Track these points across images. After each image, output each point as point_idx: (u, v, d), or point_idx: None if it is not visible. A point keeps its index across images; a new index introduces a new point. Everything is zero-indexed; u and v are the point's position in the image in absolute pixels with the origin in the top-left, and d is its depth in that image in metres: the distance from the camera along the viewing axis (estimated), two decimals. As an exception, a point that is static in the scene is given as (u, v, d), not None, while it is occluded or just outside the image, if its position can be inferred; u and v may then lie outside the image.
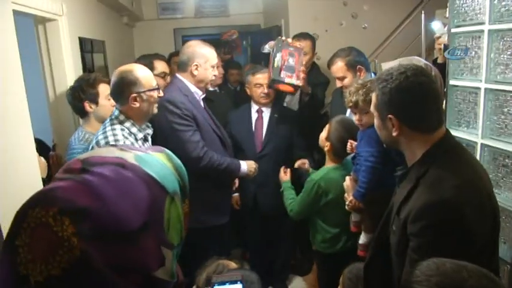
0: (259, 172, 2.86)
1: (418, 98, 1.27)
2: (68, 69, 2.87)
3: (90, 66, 3.63)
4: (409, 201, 1.29)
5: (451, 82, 2.09)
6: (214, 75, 2.54)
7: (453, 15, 2.06)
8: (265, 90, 2.84)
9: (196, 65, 2.43)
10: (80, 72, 3.10)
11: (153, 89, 1.93)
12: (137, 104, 1.88)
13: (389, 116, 1.31)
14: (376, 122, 1.43)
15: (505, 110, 1.78)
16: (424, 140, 1.30)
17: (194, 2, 5.41)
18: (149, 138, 2.04)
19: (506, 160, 1.78)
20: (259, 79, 2.84)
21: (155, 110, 2.02)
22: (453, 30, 2.07)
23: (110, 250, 0.71)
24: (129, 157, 0.81)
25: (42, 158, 2.39)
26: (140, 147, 1.13)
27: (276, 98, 3.03)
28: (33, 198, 0.72)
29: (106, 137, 1.82)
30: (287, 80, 2.64)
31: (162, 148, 0.92)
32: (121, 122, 1.89)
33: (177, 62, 2.89)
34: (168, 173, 0.85)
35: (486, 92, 1.86)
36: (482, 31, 1.88)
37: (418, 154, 1.31)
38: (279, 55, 2.61)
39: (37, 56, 2.79)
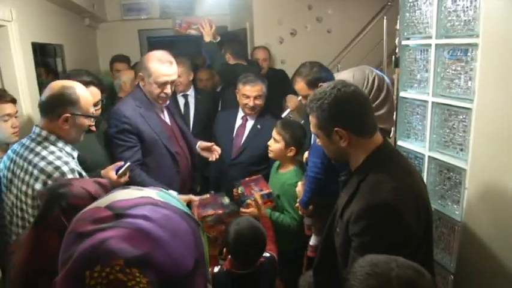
0: (229, 178, 2.82)
1: (356, 105, 1.36)
2: (19, 76, 2.76)
3: (48, 71, 3.52)
4: (350, 204, 1.35)
5: (401, 94, 2.11)
6: (164, 94, 2.32)
7: (403, 28, 2.08)
8: (251, 104, 2.76)
9: (141, 75, 2.32)
10: (33, 79, 2.99)
11: (88, 116, 1.74)
12: (66, 126, 1.67)
13: (336, 129, 1.35)
14: (321, 141, 1.47)
15: (450, 124, 1.80)
16: (366, 144, 1.38)
17: (159, 2, 5.31)
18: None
19: (451, 173, 1.81)
20: (247, 91, 2.75)
21: (81, 138, 1.79)
22: (403, 42, 2.09)
23: None
24: (153, 194, 0.76)
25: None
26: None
27: (265, 109, 2.90)
28: (81, 257, 0.64)
29: (51, 163, 1.58)
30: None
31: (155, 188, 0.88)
32: (53, 143, 1.65)
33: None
34: (185, 205, 0.82)
35: (433, 105, 1.89)
36: (429, 45, 1.90)
37: (361, 160, 1.39)
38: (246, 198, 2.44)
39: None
